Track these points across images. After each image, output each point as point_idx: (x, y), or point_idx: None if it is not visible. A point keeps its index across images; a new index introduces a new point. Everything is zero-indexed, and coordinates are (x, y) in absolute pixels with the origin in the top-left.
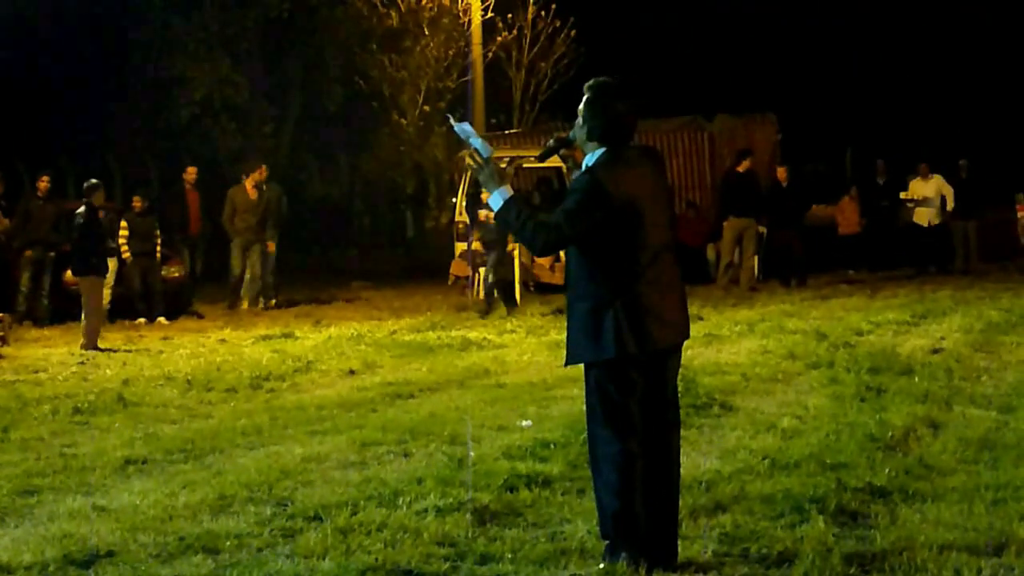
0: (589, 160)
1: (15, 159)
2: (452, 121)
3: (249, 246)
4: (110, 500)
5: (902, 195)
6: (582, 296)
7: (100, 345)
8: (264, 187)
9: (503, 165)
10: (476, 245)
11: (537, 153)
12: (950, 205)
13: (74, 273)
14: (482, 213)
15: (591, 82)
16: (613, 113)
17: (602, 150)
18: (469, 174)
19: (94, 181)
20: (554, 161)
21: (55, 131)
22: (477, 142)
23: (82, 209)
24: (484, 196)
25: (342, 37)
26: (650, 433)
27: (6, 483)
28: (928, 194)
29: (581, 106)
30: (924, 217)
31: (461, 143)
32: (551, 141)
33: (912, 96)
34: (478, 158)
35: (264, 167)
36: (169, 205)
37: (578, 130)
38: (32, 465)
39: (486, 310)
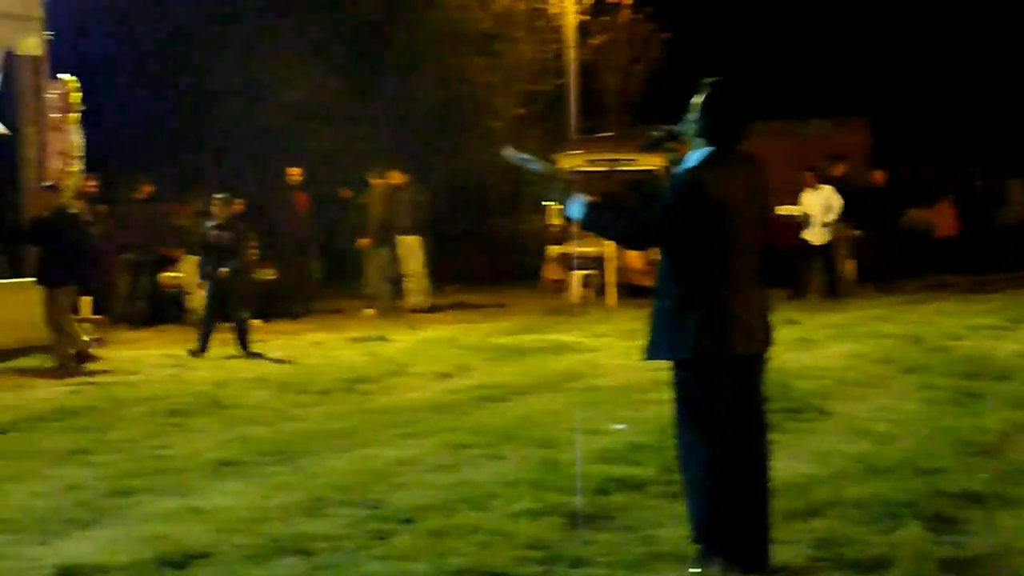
0: (692, 158)
1: (110, 160)
2: (505, 154)
3: (381, 247)
4: (204, 501)
5: None
6: (666, 294)
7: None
8: (398, 188)
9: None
10: (570, 248)
11: (630, 155)
12: None
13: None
14: None
15: (711, 79)
16: (725, 114)
17: (707, 149)
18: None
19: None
20: (649, 163)
21: (151, 133)
22: (536, 166)
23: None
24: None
25: (436, 40)
26: (738, 437)
27: (101, 484)
28: None
29: (695, 101)
30: None
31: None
32: (658, 132)
33: (1008, 98)
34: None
35: (398, 171)
36: (274, 206)
37: (688, 125)
38: (127, 466)
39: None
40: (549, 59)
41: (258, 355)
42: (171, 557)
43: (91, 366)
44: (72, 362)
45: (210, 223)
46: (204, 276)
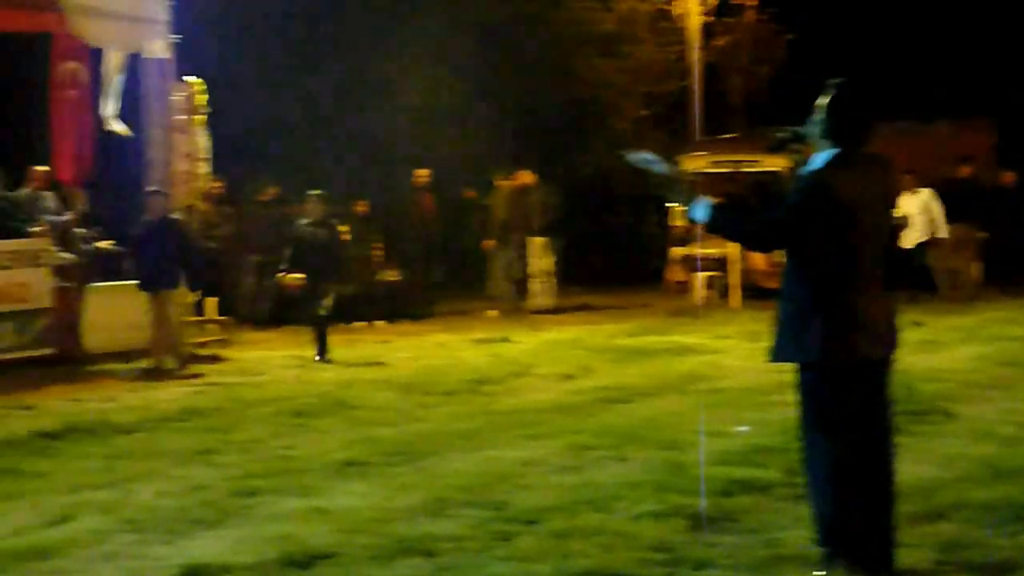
0: (819, 159)
1: (236, 162)
2: (629, 158)
3: (505, 248)
4: (328, 502)
5: None
6: (791, 297)
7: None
8: (527, 189)
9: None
10: (694, 250)
11: (754, 157)
12: None
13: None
14: None
15: (836, 80)
16: (851, 115)
17: (833, 150)
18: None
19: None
20: (773, 164)
21: (276, 135)
22: (660, 167)
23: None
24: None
25: (559, 41)
26: (864, 440)
27: (226, 484)
28: None
29: (820, 102)
30: None
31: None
32: (784, 133)
33: None
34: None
35: (526, 171)
36: (401, 208)
37: (813, 126)
38: (252, 466)
39: None
40: (673, 60)
41: (329, 361)
42: (295, 557)
43: (208, 367)
44: (168, 366)
45: (304, 220)
46: (287, 272)
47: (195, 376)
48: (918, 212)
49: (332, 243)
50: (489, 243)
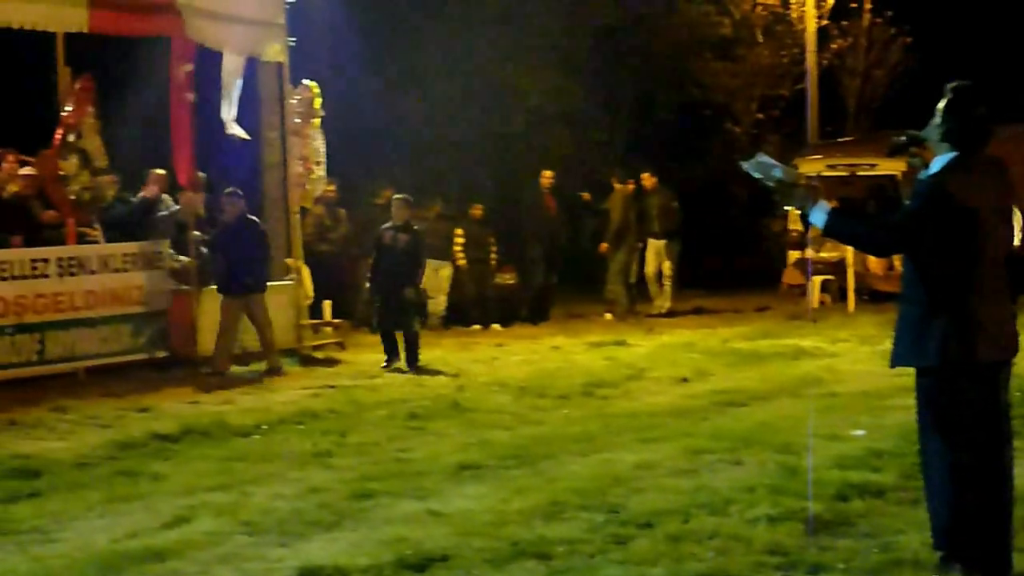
0: (937, 163)
1: (349, 165)
2: (745, 167)
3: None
4: (444, 505)
5: None
6: (912, 301)
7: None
8: (647, 192)
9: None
10: (810, 253)
11: (871, 160)
12: None
13: None
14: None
15: (954, 84)
16: (971, 118)
17: (952, 154)
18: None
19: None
20: (890, 168)
21: (392, 138)
22: (778, 171)
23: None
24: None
25: (675, 45)
26: (982, 445)
27: (343, 487)
28: None
29: (940, 106)
30: None
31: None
32: (902, 137)
33: None
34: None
35: (645, 174)
36: (521, 209)
37: (932, 130)
38: (368, 469)
39: None
40: (789, 64)
41: (421, 370)
42: (411, 560)
43: (324, 370)
44: (224, 370)
45: (386, 225)
46: (373, 280)
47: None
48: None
49: (414, 248)
50: (604, 246)
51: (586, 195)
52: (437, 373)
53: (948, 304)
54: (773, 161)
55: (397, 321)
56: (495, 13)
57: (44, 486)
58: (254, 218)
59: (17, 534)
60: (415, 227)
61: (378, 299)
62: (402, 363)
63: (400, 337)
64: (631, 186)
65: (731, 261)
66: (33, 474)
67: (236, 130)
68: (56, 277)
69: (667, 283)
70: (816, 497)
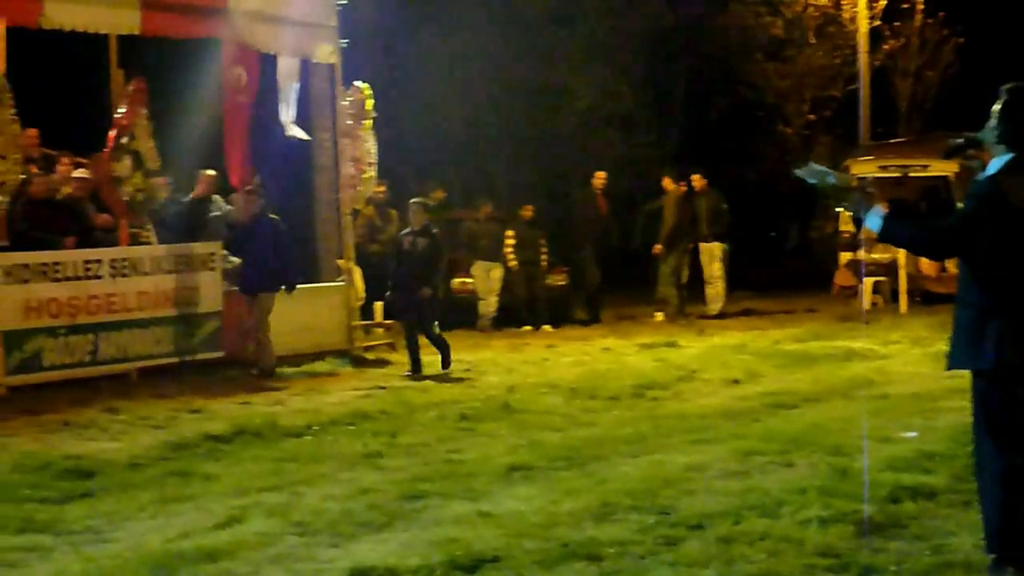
0: (994, 165)
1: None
2: (799, 173)
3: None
4: (494, 506)
5: None
6: (968, 304)
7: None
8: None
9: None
10: (862, 255)
11: (923, 161)
12: None
13: None
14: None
15: (1009, 86)
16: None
17: (1009, 156)
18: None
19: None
20: (942, 170)
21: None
22: (831, 177)
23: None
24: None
25: (726, 46)
26: None
27: (393, 488)
28: None
29: (995, 108)
30: None
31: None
32: (959, 139)
33: None
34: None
35: (696, 175)
36: (572, 210)
37: (988, 132)
38: (418, 470)
39: None
40: (840, 65)
41: (443, 377)
42: (461, 561)
43: (375, 371)
44: (271, 368)
45: (405, 230)
46: (393, 287)
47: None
48: None
49: (432, 252)
50: (659, 248)
51: (639, 196)
52: (487, 373)
53: (1004, 307)
54: (825, 168)
55: (418, 326)
56: (546, 15)
57: (97, 486)
58: (274, 217)
59: (70, 534)
60: (433, 231)
61: (396, 304)
62: (438, 367)
63: (426, 342)
64: (683, 188)
65: (784, 262)
66: (86, 475)
67: (296, 131)
68: (109, 278)
69: (718, 285)
70: (868, 499)
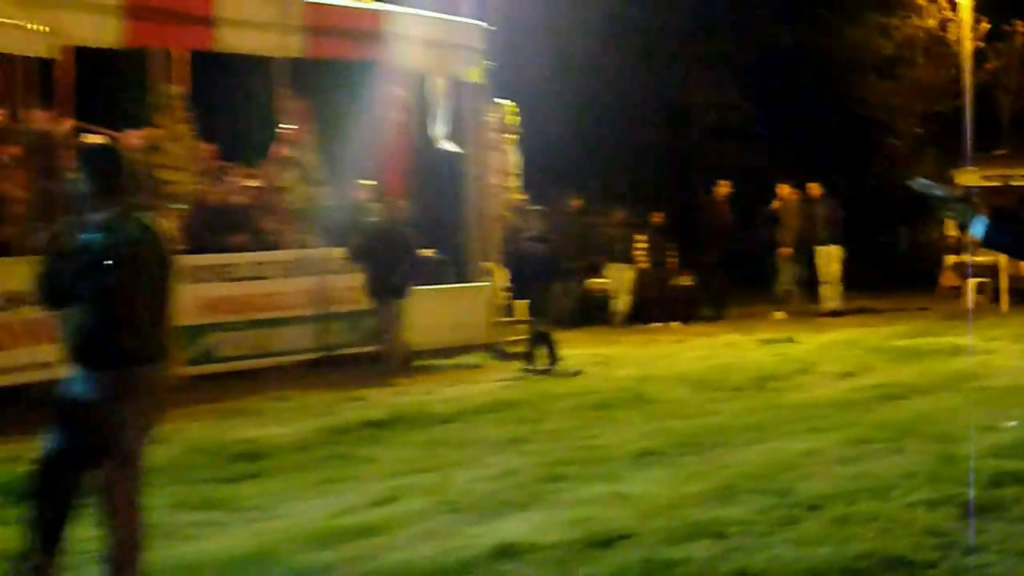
0: None
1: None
2: (912, 185)
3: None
4: (627, 487)
5: None
6: None
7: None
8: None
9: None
10: (965, 257)
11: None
12: None
13: None
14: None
15: None
16: None
17: None
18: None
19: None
20: None
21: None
22: (939, 191)
23: None
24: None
25: (841, 64)
26: None
27: (535, 470)
28: None
29: None
30: None
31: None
32: None
33: None
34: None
35: (814, 184)
36: (705, 217)
37: None
38: (558, 454)
39: None
40: (946, 82)
41: (543, 372)
42: (597, 538)
43: (518, 364)
44: (401, 365)
45: (526, 235)
46: (518, 288)
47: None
48: None
49: (550, 255)
50: (785, 251)
51: (760, 203)
52: (621, 366)
53: None
54: (932, 183)
55: (539, 322)
56: (676, 38)
57: (266, 468)
58: (401, 225)
59: (242, 511)
60: (551, 237)
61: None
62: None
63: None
64: (797, 195)
65: (894, 265)
66: (257, 457)
67: (447, 145)
68: (277, 278)
69: (835, 286)
70: (970, 484)
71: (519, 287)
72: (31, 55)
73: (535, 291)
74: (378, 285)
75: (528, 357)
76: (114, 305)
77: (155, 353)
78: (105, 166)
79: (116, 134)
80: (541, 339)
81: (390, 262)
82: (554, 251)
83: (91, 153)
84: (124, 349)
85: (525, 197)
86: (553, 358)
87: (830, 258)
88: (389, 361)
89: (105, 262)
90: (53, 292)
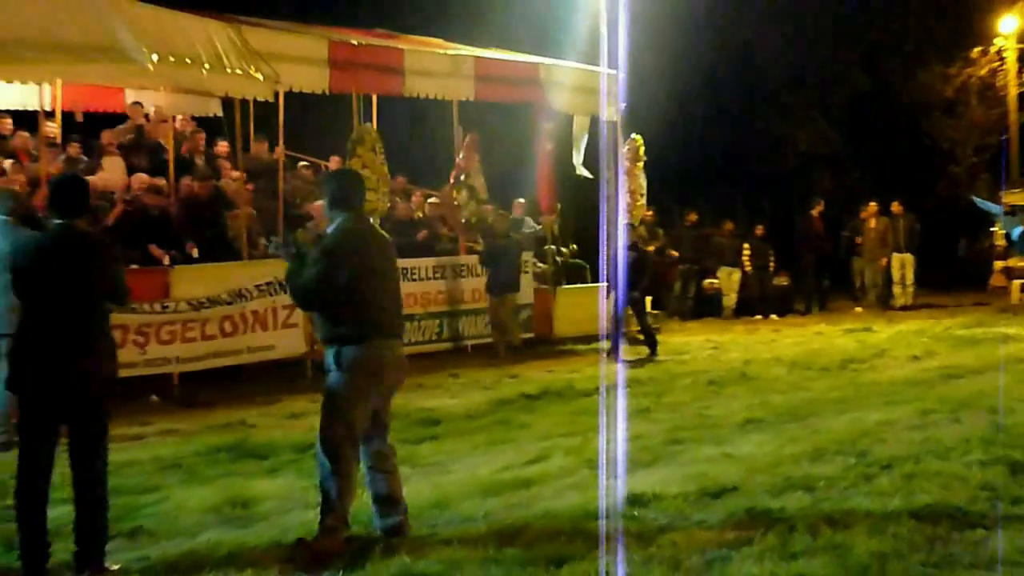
0: None
1: (666, 195)
2: (975, 201)
3: (871, 262)
4: (735, 449)
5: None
6: None
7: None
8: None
9: None
10: (1012, 262)
11: None
12: None
13: None
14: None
15: None
16: None
17: None
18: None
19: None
20: None
21: (696, 175)
22: (994, 208)
23: None
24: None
25: (911, 105)
26: None
27: (659, 435)
28: None
29: None
30: None
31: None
32: None
33: None
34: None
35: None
36: (799, 229)
37: None
38: (678, 422)
39: None
40: (996, 120)
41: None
42: (709, 490)
43: (645, 349)
44: (506, 352)
45: (630, 244)
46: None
47: (503, 361)
48: None
49: (639, 262)
50: (884, 261)
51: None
52: (730, 351)
53: None
54: (987, 201)
55: (638, 319)
56: (778, 80)
57: (442, 432)
58: (516, 236)
59: (423, 467)
60: (640, 247)
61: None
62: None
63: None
64: (874, 211)
65: (954, 268)
66: (434, 423)
67: (583, 171)
68: (450, 279)
69: (909, 286)
70: (1018, 447)
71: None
72: (254, 98)
73: (629, 292)
74: (494, 283)
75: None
76: (353, 292)
77: (391, 329)
78: (345, 183)
79: (322, 162)
80: (648, 333)
81: (509, 266)
82: (644, 257)
83: (335, 173)
84: (362, 327)
85: (651, 212)
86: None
87: (906, 264)
88: (498, 347)
89: (339, 256)
90: (299, 288)
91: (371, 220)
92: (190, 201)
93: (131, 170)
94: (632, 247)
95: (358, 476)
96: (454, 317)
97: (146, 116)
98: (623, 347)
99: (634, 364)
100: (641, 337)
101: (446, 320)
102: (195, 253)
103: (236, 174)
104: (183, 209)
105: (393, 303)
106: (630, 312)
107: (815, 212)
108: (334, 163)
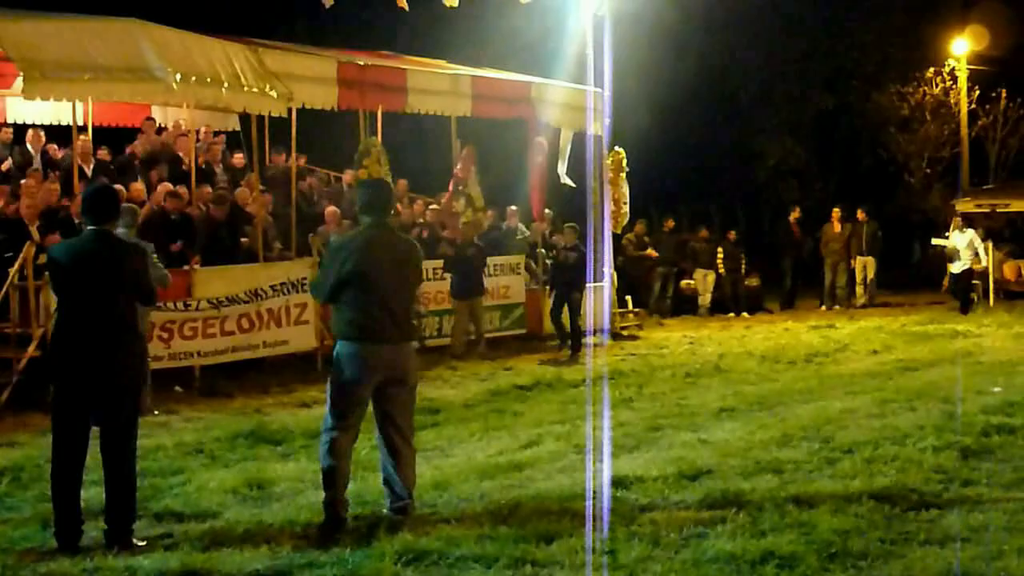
0: None
1: (647, 203)
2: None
3: (835, 264)
4: (710, 436)
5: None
6: None
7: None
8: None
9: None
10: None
11: (1006, 201)
12: None
13: None
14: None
15: None
16: None
17: None
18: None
19: None
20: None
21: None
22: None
23: None
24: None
25: (871, 122)
26: None
27: (641, 422)
28: None
29: None
30: None
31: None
32: None
33: None
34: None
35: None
36: (780, 234)
37: None
38: (658, 411)
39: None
40: (948, 135)
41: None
42: (687, 473)
43: (628, 343)
44: (460, 350)
45: (561, 245)
46: (553, 289)
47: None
48: (965, 246)
49: (580, 263)
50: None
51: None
52: (705, 346)
53: None
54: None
55: (570, 316)
56: (748, 98)
57: (442, 419)
58: (480, 243)
59: (424, 451)
60: (582, 248)
61: (555, 299)
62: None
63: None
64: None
65: (910, 271)
66: (435, 411)
67: (567, 180)
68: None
69: (870, 286)
70: (967, 433)
71: (556, 289)
72: (269, 114)
73: (568, 291)
74: (456, 287)
75: (576, 347)
76: (339, 293)
77: (375, 335)
78: (372, 193)
79: (332, 173)
80: (576, 333)
81: (474, 271)
82: (583, 257)
83: (366, 182)
84: (349, 327)
85: (641, 224)
86: (563, 345)
87: (867, 266)
88: (455, 343)
89: (330, 258)
90: (321, 289)
91: (393, 229)
92: (209, 222)
93: (151, 180)
94: (573, 248)
95: (365, 460)
96: (451, 315)
97: (158, 131)
98: (605, 343)
99: (622, 358)
100: (625, 333)
101: (447, 317)
102: (197, 265)
103: (251, 182)
104: (204, 227)
105: (382, 311)
106: (616, 309)
107: (792, 218)
108: (347, 176)
